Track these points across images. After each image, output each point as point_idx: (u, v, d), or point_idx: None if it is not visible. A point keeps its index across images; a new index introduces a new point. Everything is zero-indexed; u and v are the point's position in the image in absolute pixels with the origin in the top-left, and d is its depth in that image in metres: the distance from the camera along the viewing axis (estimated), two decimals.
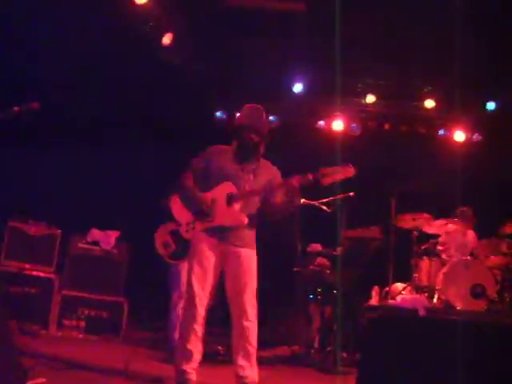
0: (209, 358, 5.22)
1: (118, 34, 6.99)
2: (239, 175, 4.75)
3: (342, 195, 6.42)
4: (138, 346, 6.22)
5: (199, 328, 4.65)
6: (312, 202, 6.38)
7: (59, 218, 7.31)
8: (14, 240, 7.00)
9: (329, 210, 6.48)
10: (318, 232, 6.94)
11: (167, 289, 6.15)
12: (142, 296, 7.42)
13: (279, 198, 4.73)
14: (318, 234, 6.97)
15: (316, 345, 6.67)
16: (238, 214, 4.69)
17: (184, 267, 5.09)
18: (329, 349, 6.44)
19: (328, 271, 6.68)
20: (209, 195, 4.73)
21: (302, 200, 6.11)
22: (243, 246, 4.74)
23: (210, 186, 4.77)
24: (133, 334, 7.10)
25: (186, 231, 4.81)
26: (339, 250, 6.63)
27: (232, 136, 4.89)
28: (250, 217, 4.73)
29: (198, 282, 4.65)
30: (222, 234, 4.71)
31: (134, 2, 6.80)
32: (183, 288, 5.29)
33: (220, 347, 6.05)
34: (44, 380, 4.37)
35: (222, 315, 5.69)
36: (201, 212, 4.74)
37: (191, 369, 4.63)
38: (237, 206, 4.68)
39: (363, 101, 8.33)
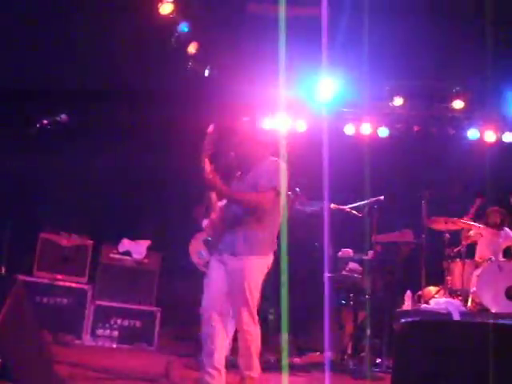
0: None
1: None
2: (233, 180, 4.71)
3: (372, 199, 6.38)
4: (171, 355, 6.22)
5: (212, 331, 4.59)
6: (342, 207, 6.35)
7: (90, 229, 7.37)
8: (46, 251, 7.07)
9: (359, 215, 6.45)
10: (349, 237, 6.89)
11: (200, 297, 6.14)
12: (175, 305, 7.41)
13: None
14: (349, 239, 6.93)
15: (349, 351, 6.62)
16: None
17: None
18: (362, 354, 6.38)
19: (360, 276, 6.63)
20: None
21: (333, 205, 6.08)
22: (235, 254, 4.53)
23: None
24: (166, 343, 7.12)
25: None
26: (370, 254, 6.59)
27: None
28: (234, 218, 4.57)
29: (206, 290, 4.67)
30: (216, 245, 4.65)
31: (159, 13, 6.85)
32: None
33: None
34: None
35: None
36: None
37: (206, 373, 4.51)
38: (213, 215, 4.65)
39: (391, 103, 8.25)
